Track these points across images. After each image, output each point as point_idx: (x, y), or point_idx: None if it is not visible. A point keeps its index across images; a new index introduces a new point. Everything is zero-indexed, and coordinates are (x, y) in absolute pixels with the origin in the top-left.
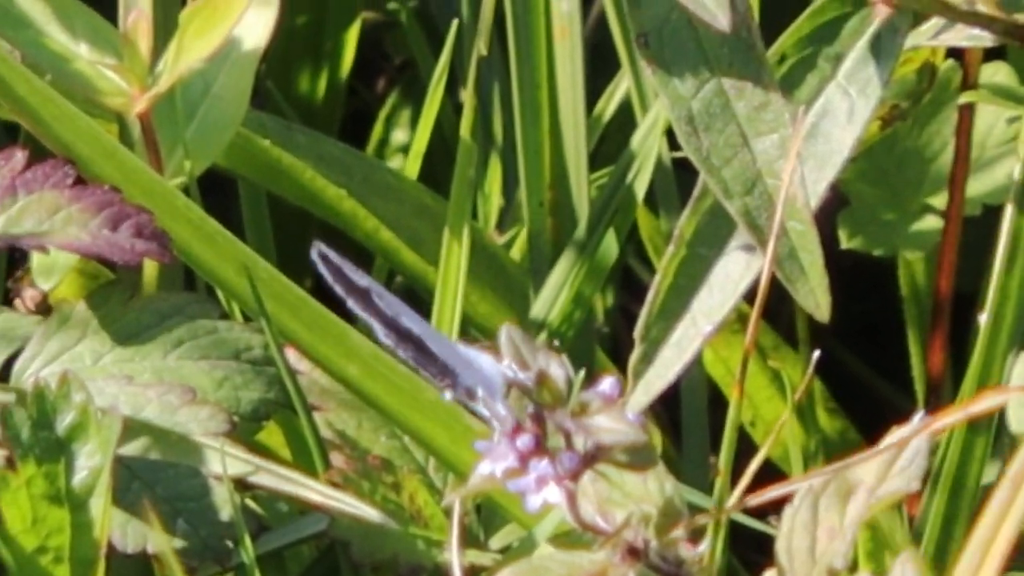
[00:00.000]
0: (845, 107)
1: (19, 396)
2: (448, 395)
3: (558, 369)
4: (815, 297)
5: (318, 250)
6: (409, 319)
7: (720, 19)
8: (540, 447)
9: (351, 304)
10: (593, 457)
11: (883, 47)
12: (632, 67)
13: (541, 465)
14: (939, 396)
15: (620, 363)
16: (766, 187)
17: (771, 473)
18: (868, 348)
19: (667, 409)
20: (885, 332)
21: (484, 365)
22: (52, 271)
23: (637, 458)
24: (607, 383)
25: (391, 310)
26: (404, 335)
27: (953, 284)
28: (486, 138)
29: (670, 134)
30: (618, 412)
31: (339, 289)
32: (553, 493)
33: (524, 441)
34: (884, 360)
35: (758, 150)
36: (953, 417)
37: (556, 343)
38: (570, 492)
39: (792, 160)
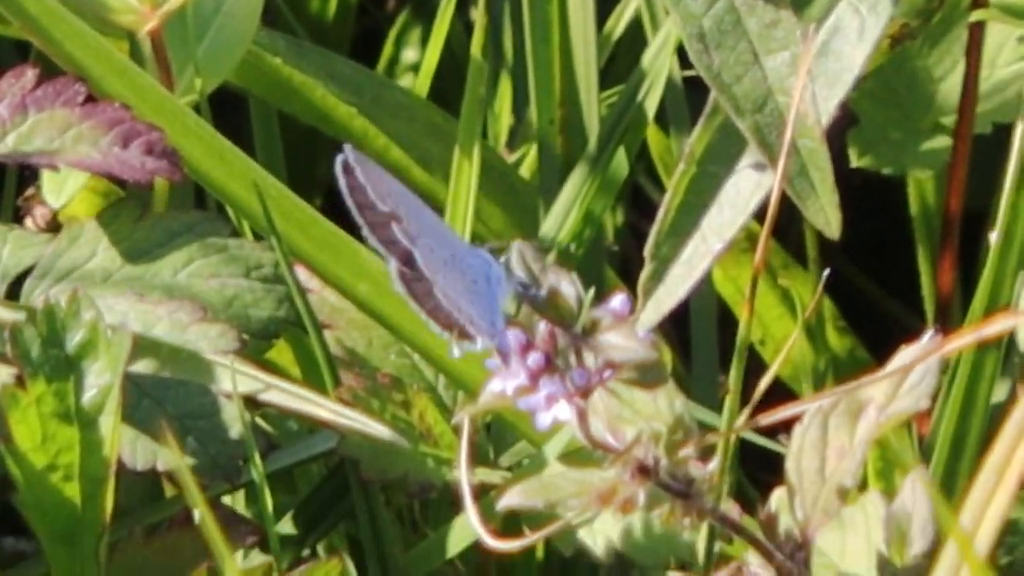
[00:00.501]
0: (855, 25)
1: (29, 314)
2: (455, 351)
3: (568, 286)
4: (825, 214)
5: (344, 159)
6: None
7: None
8: (550, 364)
9: (365, 233)
10: (603, 374)
11: None
12: None
13: (551, 382)
14: (949, 315)
15: (630, 282)
16: (777, 104)
17: (781, 392)
18: (878, 267)
19: (677, 328)
20: (895, 251)
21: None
22: (62, 189)
23: (647, 375)
24: (617, 300)
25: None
26: (417, 278)
27: (963, 203)
28: (496, 57)
29: (681, 52)
30: (628, 329)
31: (356, 213)
32: (563, 410)
33: (534, 358)
34: (894, 279)
35: (769, 67)
36: (965, 339)
37: (566, 260)
38: (580, 409)
39: (803, 78)
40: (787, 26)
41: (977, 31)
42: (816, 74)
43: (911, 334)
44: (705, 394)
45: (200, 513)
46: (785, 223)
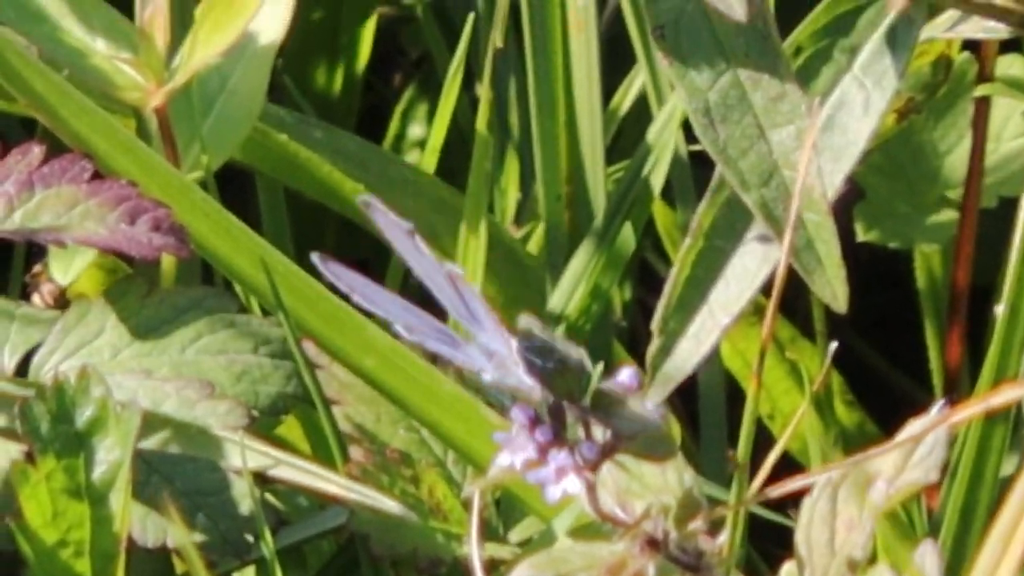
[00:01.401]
0: (861, 99)
1: (38, 390)
2: (488, 377)
3: (576, 359)
4: (832, 288)
5: (320, 257)
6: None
7: (736, 9)
8: (559, 438)
9: (369, 306)
10: (612, 448)
11: (899, 39)
12: (648, 60)
13: (560, 456)
14: (957, 388)
15: (638, 357)
16: (783, 178)
17: (789, 466)
18: (886, 341)
19: (685, 402)
20: (902, 325)
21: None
22: (70, 266)
23: (656, 448)
24: (626, 373)
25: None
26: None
27: (970, 277)
28: (503, 132)
29: (687, 127)
30: (637, 402)
31: (355, 295)
32: (573, 484)
33: (543, 432)
34: (902, 353)
35: (775, 141)
36: (972, 409)
37: (574, 335)
38: (589, 483)
39: (808, 151)
40: (792, 100)
41: (983, 106)
42: (822, 148)
43: (920, 408)
44: (714, 468)
45: None
46: (793, 297)
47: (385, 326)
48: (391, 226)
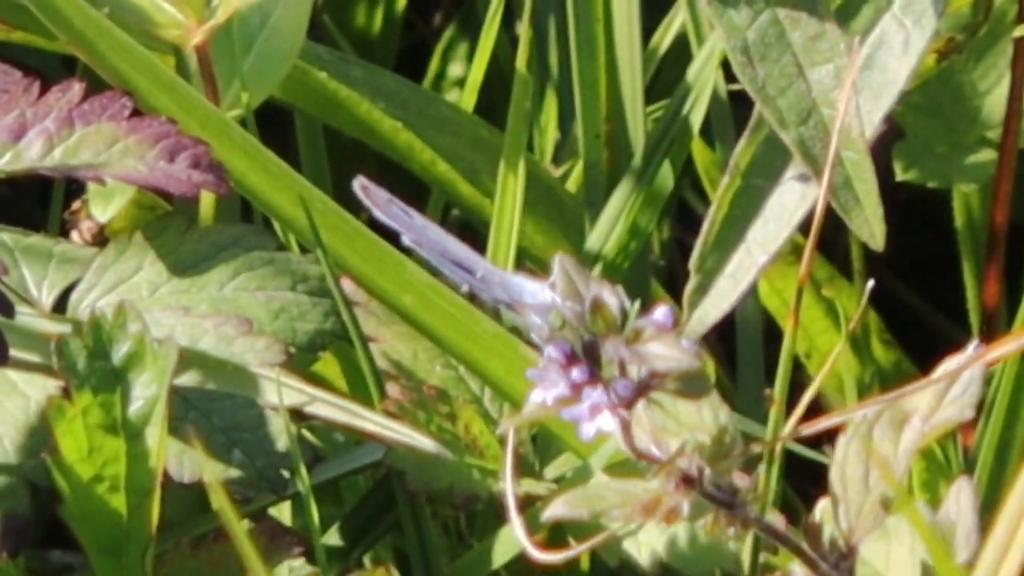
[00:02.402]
0: (900, 38)
1: (75, 327)
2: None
3: (611, 297)
4: (870, 226)
5: (360, 183)
6: (458, 250)
7: None
8: (594, 376)
9: (404, 235)
10: (647, 385)
11: None
12: (688, 0)
13: (595, 393)
14: (994, 328)
15: (676, 296)
16: (821, 117)
17: (826, 405)
18: (923, 281)
19: (722, 341)
20: (940, 264)
21: (535, 293)
22: (109, 202)
23: (691, 386)
24: (660, 312)
25: (440, 242)
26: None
27: (1008, 216)
28: (542, 71)
29: (726, 66)
30: (672, 340)
31: (390, 221)
32: (607, 421)
33: (578, 370)
34: (939, 293)
35: (813, 80)
36: (1008, 347)
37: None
38: (624, 420)
39: (847, 90)
40: (831, 39)
41: (1023, 46)
42: (861, 87)
43: (957, 348)
44: (751, 406)
45: (234, 527)
46: (831, 236)
47: (423, 263)
48: (381, 204)
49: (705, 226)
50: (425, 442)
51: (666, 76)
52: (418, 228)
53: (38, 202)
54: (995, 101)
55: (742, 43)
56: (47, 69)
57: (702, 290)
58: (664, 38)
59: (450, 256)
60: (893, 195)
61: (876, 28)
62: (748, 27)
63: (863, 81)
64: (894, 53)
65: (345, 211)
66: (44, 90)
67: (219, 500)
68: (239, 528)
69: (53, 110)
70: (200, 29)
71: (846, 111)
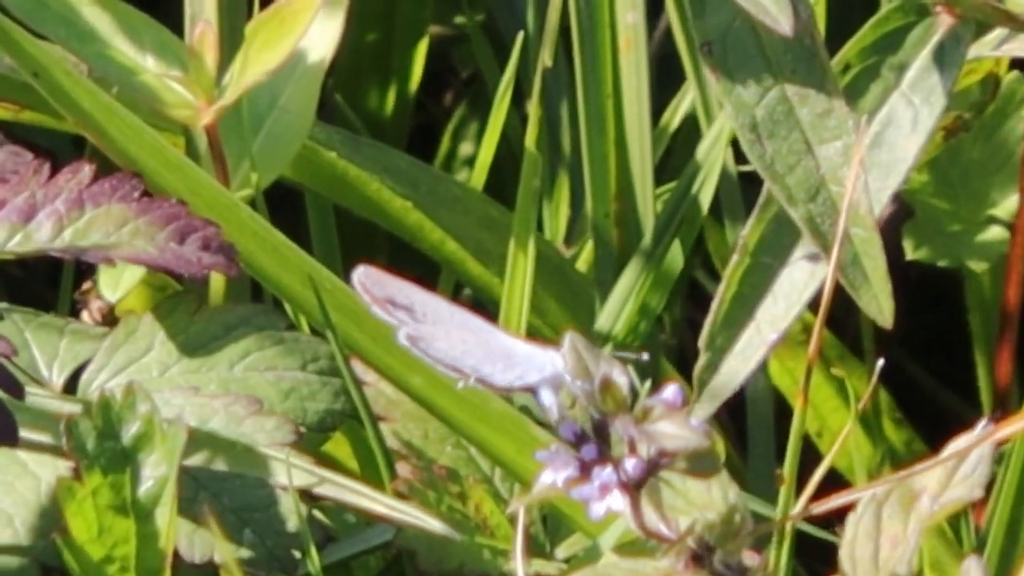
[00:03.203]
0: (909, 116)
1: (85, 407)
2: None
3: (621, 376)
4: (879, 303)
5: (360, 275)
6: (464, 329)
7: (783, 24)
8: (603, 455)
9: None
10: (656, 464)
11: (946, 57)
12: (697, 78)
13: (604, 473)
14: (1006, 407)
15: (687, 375)
16: (830, 194)
17: (837, 483)
18: (935, 360)
19: (733, 420)
20: (952, 343)
21: (542, 366)
22: (119, 283)
23: (701, 465)
24: (670, 390)
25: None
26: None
27: (1020, 294)
28: (553, 150)
29: (735, 146)
30: (681, 418)
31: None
32: (617, 501)
33: (587, 449)
34: (951, 372)
35: (822, 157)
36: (1018, 425)
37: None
38: (634, 499)
39: (856, 167)
40: (840, 115)
41: None
42: (869, 164)
43: (968, 426)
44: (762, 485)
45: None
46: (842, 316)
47: None
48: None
49: (714, 304)
50: (435, 523)
51: (676, 155)
52: (420, 316)
53: (48, 282)
54: (1005, 179)
55: (751, 120)
56: (57, 148)
57: (712, 368)
58: (674, 117)
59: (450, 352)
60: (904, 274)
61: (885, 106)
62: (757, 104)
63: (872, 159)
64: (903, 131)
65: (354, 292)
66: (54, 171)
67: None
68: None
69: (63, 191)
70: (210, 109)
71: (854, 188)
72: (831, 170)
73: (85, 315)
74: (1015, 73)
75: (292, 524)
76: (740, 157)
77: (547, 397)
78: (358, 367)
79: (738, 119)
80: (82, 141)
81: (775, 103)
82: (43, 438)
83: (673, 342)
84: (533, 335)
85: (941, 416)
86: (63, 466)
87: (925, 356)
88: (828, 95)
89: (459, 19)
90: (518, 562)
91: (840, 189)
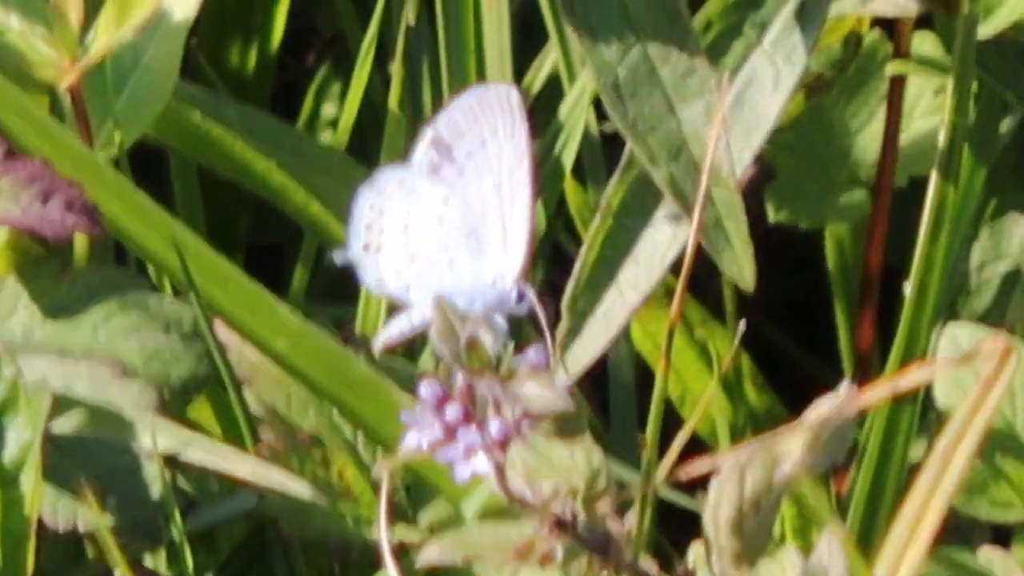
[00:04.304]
0: (771, 75)
1: None
2: None
3: (487, 336)
4: (740, 266)
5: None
6: None
7: None
8: (468, 416)
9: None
10: (521, 426)
11: (808, 15)
12: (560, 37)
13: (469, 434)
14: (867, 371)
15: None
16: (692, 155)
17: (700, 449)
18: (798, 323)
19: (596, 385)
20: (814, 307)
21: None
22: None
23: (565, 427)
24: (532, 352)
25: None
26: None
27: (882, 257)
28: (416, 110)
29: (598, 106)
30: (547, 380)
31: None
32: (482, 463)
33: (452, 410)
34: (814, 335)
35: (684, 117)
36: (879, 392)
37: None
38: (498, 463)
39: (717, 127)
40: (702, 75)
41: (898, 84)
42: (731, 124)
43: (830, 390)
44: (624, 451)
45: (120, 574)
46: (705, 280)
47: (297, 307)
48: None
49: (576, 267)
50: (298, 488)
51: (539, 116)
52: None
53: None
54: (867, 140)
55: (612, 80)
56: None
57: (574, 332)
58: (537, 77)
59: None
60: (766, 236)
61: (746, 64)
62: (618, 63)
63: (733, 118)
64: (764, 90)
65: (218, 253)
66: None
67: (104, 545)
68: (128, 573)
69: None
70: (73, 68)
71: (716, 149)
72: (693, 130)
73: None
74: (877, 31)
75: (156, 491)
76: (603, 117)
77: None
78: (221, 330)
79: (600, 79)
80: None
81: (637, 62)
82: None
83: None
84: None
85: (803, 381)
86: None
87: (787, 320)
88: (690, 54)
89: None
90: (382, 528)
91: (702, 150)
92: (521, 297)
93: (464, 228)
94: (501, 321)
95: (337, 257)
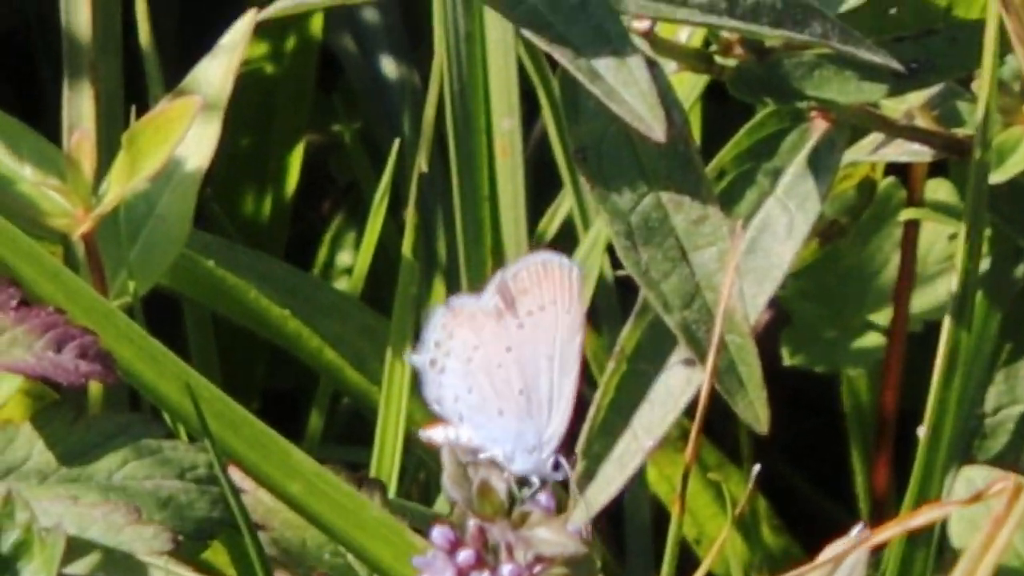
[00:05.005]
0: (784, 222)
1: None
2: None
3: (499, 482)
4: (754, 410)
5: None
6: None
7: (656, 131)
8: (480, 561)
9: None
10: (533, 570)
11: (821, 162)
12: (574, 184)
13: None
14: (883, 513)
15: (565, 483)
16: (705, 301)
17: None
18: (814, 466)
19: (612, 526)
20: (831, 450)
21: None
22: None
23: (577, 571)
24: (546, 497)
25: None
26: None
27: (897, 401)
28: (430, 257)
29: (612, 251)
30: (559, 525)
31: None
32: None
33: (464, 555)
34: (830, 478)
35: (697, 264)
36: (892, 531)
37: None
38: None
39: (731, 273)
40: (714, 222)
41: (911, 229)
42: (745, 271)
43: (845, 532)
44: None
45: None
46: (721, 423)
47: (311, 452)
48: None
49: (591, 411)
50: None
51: None
52: None
53: None
54: (881, 285)
55: (625, 227)
56: None
57: (589, 475)
58: (551, 223)
59: None
60: (782, 380)
61: (760, 211)
62: (631, 211)
63: (747, 265)
64: (778, 237)
65: (232, 399)
66: None
67: None
68: None
69: None
70: (87, 218)
71: (730, 295)
72: (706, 277)
73: None
74: (891, 178)
75: None
76: (617, 263)
77: None
78: (236, 475)
79: (613, 226)
80: None
81: (650, 210)
82: None
83: None
84: (412, 444)
85: (819, 523)
86: None
87: (803, 462)
88: (703, 201)
89: (335, 126)
90: None
91: (715, 296)
92: (557, 466)
93: (518, 384)
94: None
95: (409, 359)
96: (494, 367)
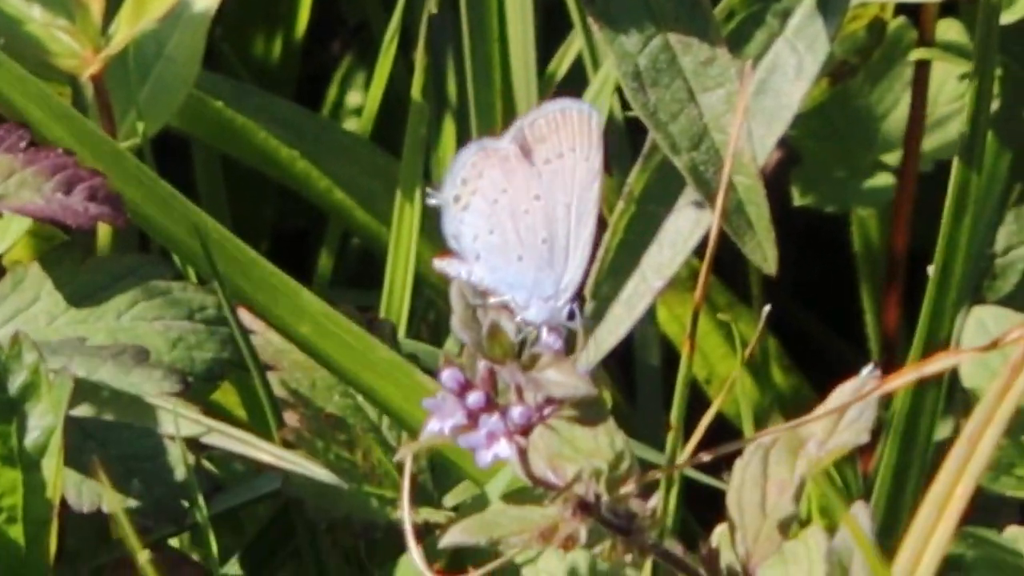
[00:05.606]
0: (793, 63)
1: None
2: None
3: (508, 323)
4: (763, 250)
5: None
6: None
7: None
8: (490, 402)
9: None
10: (543, 411)
11: (831, 3)
12: (583, 25)
13: (491, 420)
14: (893, 352)
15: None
16: (713, 142)
17: (727, 431)
18: (824, 306)
19: (622, 367)
20: (840, 290)
21: None
22: (5, 233)
23: (587, 412)
24: (555, 339)
25: None
26: None
27: (907, 240)
28: (439, 98)
29: (621, 92)
30: (568, 366)
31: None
32: (504, 448)
33: (474, 397)
34: (840, 318)
35: (705, 105)
36: (904, 378)
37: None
38: (521, 447)
39: (739, 115)
40: (722, 63)
41: (923, 70)
42: (753, 112)
43: (857, 372)
44: (650, 433)
45: (140, 557)
46: (731, 264)
47: (319, 292)
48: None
49: (600, 252)
50: (322, 472)
51: None
52: None
53: None
54: (892, 124)
55: (633, 68)
56: None
57: (598, 316)
58: (561, 65)
59: None
60: (792, 220)
61: (769, 52)
62: (639, 52)
63: (756, 106)
64: (787, 77)
65: (241, 240)
66: None
67: (120, 530)
68: (144, 556)
69: None
70: (96, 58)
71: (738, 136)
72: (714, 118)
73: None
74: (901, 18)
75: (180, 474)
76: (626, 104)
77: None
78: (245, 316)
79: (621, 68)
80: None
81: (658, 51)
82: None
83: None
84: (421, 282)
85: (829, 362)
86: None
87: (813, 302)
88: (711, 43)
89: None
90: (405, 510)
91: (724, 137)
92: (572, 315)
93: (543, 233)
94: (556, 340)
95: (428, 198)
96: (520, 212)
